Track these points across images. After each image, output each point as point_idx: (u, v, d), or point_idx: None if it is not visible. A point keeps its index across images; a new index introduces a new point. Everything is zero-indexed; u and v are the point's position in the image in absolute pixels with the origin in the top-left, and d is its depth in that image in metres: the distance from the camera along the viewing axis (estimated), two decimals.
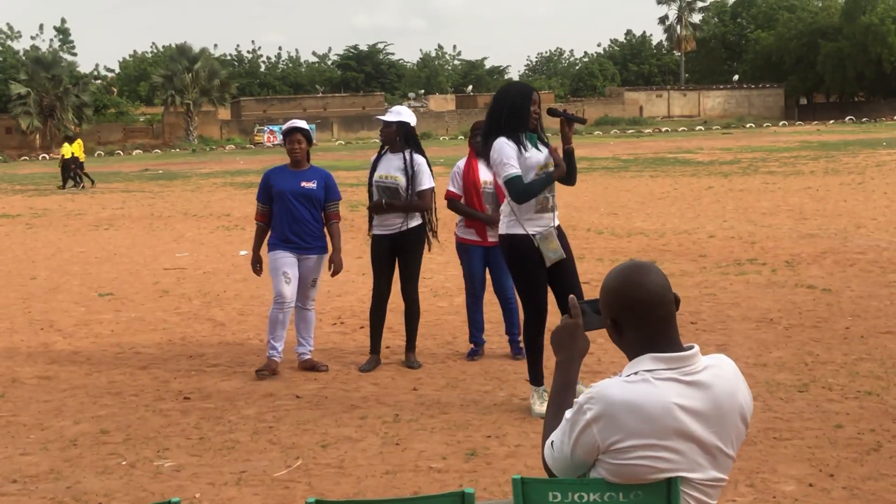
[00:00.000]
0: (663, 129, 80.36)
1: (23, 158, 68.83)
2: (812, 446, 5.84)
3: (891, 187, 22.74)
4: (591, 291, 4.48)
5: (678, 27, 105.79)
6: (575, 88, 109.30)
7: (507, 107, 6.61)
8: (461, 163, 8.47)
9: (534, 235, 6.57)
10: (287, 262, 8.01)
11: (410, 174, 7.98)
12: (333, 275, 8.34)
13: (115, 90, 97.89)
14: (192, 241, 17.62)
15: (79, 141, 34.64)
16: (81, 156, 34.02)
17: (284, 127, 8.33)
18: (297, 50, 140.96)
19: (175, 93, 79.78)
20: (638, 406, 2.72)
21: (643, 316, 2.84)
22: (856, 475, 5.35)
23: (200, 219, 21.62)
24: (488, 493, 5.27)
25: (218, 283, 12.65)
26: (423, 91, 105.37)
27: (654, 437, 2.72)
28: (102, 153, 72.08)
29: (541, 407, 6.56)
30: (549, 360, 4.06)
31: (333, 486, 5.50)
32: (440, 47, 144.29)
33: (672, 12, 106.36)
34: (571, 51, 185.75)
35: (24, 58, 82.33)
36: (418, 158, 8.06)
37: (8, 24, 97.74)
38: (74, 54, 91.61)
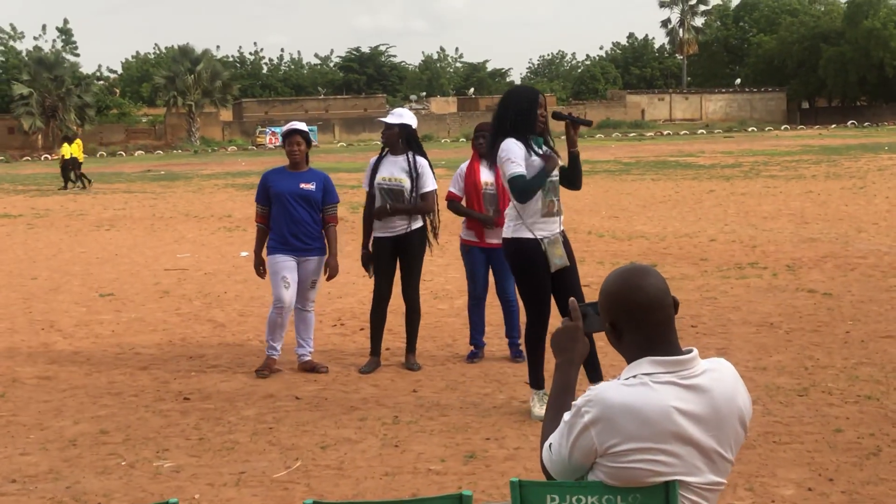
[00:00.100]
0: (665, 133, 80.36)
1: (25, 159, 68.94)
2: (811, 450, 5.83)
3: (892, 191, 22.74)
4: (592, 294, 4.48)
5: (680, 30, 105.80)
6: (577, 91, 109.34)
7: (513, 111, 6.59)
8: (464, 165, 8.48)
9: (542, 239, 6.55)
10: (286, 267, 8.03)
11: (415, 176, 7.98)
12: (329, 279, 8.35)
13: (118, 91, 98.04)
14: (194, 242, 17.64)
15: (78, 141, 34.61)
16: (80, 156, 33.99)
17: (284, 129, 8.34)
18: (299, 52, 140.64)
19: (177, 94, 79.88)
20: (636, 409, 2.72)
21: (642, 319, 2.84)
22: (855, 479, 5.35)
23: (202, 220, 21.63)
24: (487, 495, 5.26)
25: (219, 284, 12.65)
26: (424, 93, 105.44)
27: (652, 441, 2.71)
28: (104, 154, 72.16)
29: (540, 410, 6.55)
30: (550, 362, 4.06)
31: (332, 487, 5.50)
32: (442, 49, 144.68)
33: (674, 15, 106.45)
34: (573, 54, 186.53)
35: (26, 58, 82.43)
36: (421, 160, 8.07)
37: (11, 24, 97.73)
38: (77, 55, 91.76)
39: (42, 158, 67.23)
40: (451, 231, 14.22)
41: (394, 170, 8.02)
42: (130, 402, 7.39)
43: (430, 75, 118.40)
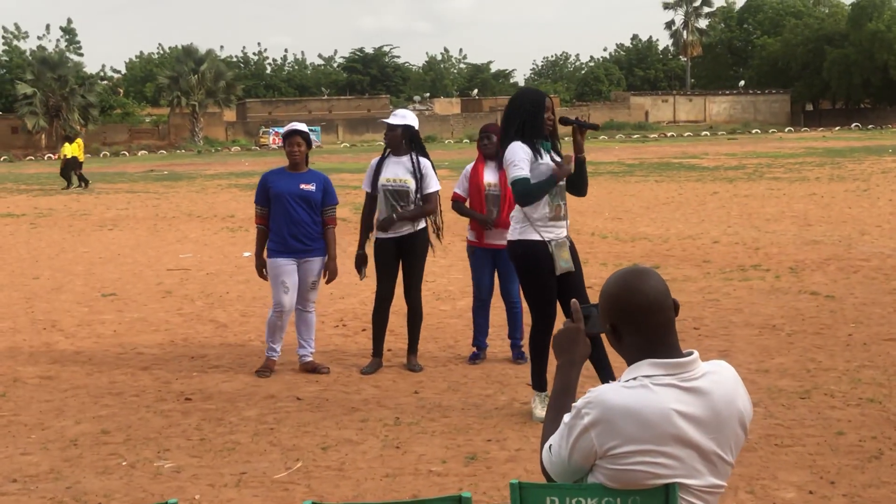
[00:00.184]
0: (669, 135, 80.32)
1: (28, 158, 68.97)
2: (813, 453, 5.82)
3: None
4: (594, 296, 4.48)
5: (684, 32, 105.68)
6: (580, 93, 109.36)
7: (520, 114, 6.57)
8: (469, 166, 8.48)
9: (549, 241, 6.53)
10: (285, 272, 8.04)
11: (419, 177, 7.98)
12: (328, 282, 8.35)
13: (121, 91, 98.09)
14: (196, 242, 17.64)
15: (78, 141, 34.55)
16: (81, 156, 33.95)
17: (284, 129, 8.34)
18: (302, 52, 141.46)
19: (181, 94, 79.89)
20: (636, 412, 2.71)
21: (642, 322, 2.83)
22: (857, 483, 5.34)
23: (205, 220, 21.64)
24: (488, 497, 5.26)
25: (221, 285, 12.66)
26: (428, 94, 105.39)
27: (651, 443, 2.71)
28: (108, 154, 72.20)
29: (542, 412, 6.54)
30: (552, 364, 4.05)
31: (333, 488, 5.50)
32: (446, 50, 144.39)
33: (678, 17, 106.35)
34: (577, 55, 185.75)
35: (30, 58, 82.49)
36: (424, 161, 8.07)
37: (15, 24, 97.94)
38: (81, 55, 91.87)
39: (45, 158, 67.24)
40: (453, 232, 14.24)
41: (398, 171, 8.01)
42: (132, 402, 7.39)
43: (434, 76, 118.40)
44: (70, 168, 33.45)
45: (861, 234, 15.80)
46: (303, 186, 8.06)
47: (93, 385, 7.91)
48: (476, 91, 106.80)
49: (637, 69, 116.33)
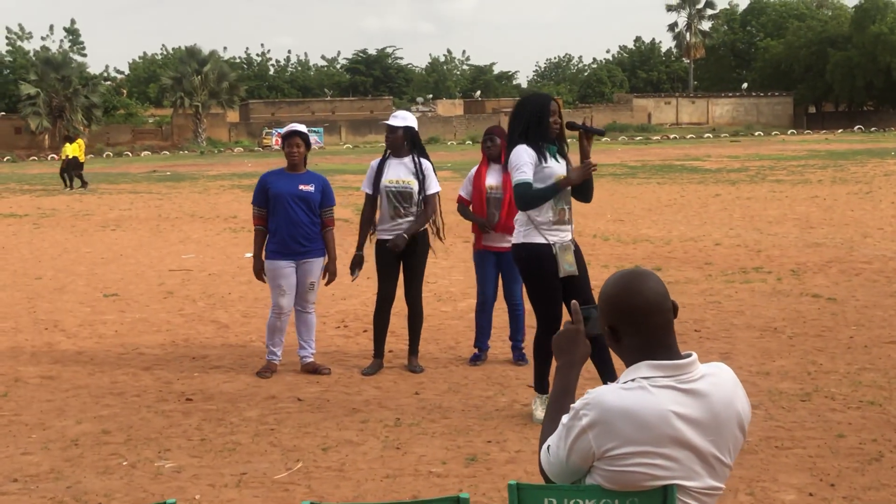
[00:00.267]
0: (671, 137, 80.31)
1: (31, 158, 69.01)
2: (813, 455, 5.82)
3: None
4: (596, 298, 4.52)
5: (687, 34, 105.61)
6: (583, 95, 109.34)
7: (525, 118, 6.57)
8: (474, 168, 8.49)
9: (553, 244, 6.52)
10: (283, 274, 8.07)
11: (422, 178, 7.99)
12: (328, 283, 8.36)
13: (125, 91, 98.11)
14: (199, 242, 17.65)
15: (79, 141, 34.55)
16: (82, 157, 33.94)
17: (284, 130, 8.35)
18: (306, 53, 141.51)
19: (184, 95, 79.89)
20: (634, 413, 2.72)
21: (641, 323, 2.84)
22: (857, 485, 5.34)
23: (207, 221, 21.65)
24: (487, 498, 5.27)
25: (223, 285, 12.67)
26: (431, 96, 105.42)
27: (649, 445, 2.71)
28: (111, 154, 72.26)
29: (542, 413, 6.53)
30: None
31: (333, 489, 5.50)
32: (449, 52, 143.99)
33: (681, 19, 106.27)
34: (580, 57, 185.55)
35: (34, 58, 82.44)
36: (426, 163, 8.08)
37: (19, 24, 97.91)
38: (84, 55, 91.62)
39: (49, 158, 67.26)
40: (455, 234, 14.28)
41: (400, 172, 8.01)
42: (133, 402, 7.40)
43: (437, 77, 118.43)
44: (71, 168, 33.44)
45: (863, 237, 15.80)
46: (302, 187, 8.07)
47: (94, 385, 7.92)
48: (479, 93, 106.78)
49: (640, 71, 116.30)
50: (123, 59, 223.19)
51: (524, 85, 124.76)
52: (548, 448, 2.93)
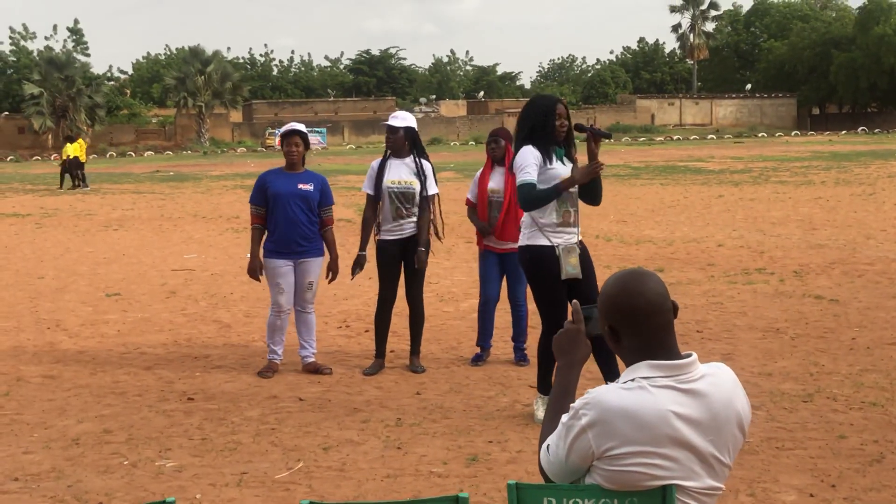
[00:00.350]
0: (675, 138, 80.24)
1: (35, 158, 69.06)
2: (815, 456, 5.82)
3: None
4: None
5: (691, 35, 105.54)
6: (587, 96, 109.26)
7: (530, 120, 6.56)
8: (480, 170, 8.50)
9: (557, 246, 6.51)
10: (281, 273, 8.08)
11: (423, 178, 7.99)
12: (331, 281, 8.37)
13: (128, 91, 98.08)
14: (201, 242, 17.66)
15: (80, 141, 34.59)
16: (83, 156, 33.95)
17: (283, 129, 8.34)
18: (309, 54, 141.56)
19: (187, 95, 79.91)
20: (633, 413, 2.71)
21: (641, 323, 2.83)
22: (858, 486, 5.33)
23: (210, 221, 21.66)
24: (488, 498, 5.26)
25: (225, 285, 12.67)
26: (434, 96, 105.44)
27: (649, 445, 2.71)
28: (114, 154, 72.30)
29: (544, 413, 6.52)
30: None
31: (334, 488, 5.50)
32: (452, 53, 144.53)
33: (685, 20, 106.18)
34: (584, 58, 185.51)
35: (37, 58, 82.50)
36: (426, 163, 8.08)
37: (23, 24, 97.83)
38: (88, 55, 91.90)
39: (52, 158, 67.32)
40: (458, 234, 14.24)
41: (402, 173, 8.01)
42: (134, 401, 7.40)
43: (440, 78, 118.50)
44: (73, 168, 33.44)
45: (866, 238, 15.79)
46: (301, 186, 8.08)
47: (95, 384, 7.92)
48: (482, 93, 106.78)
49: (643, 72, 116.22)
50: (127, 59, 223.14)
51: (527, 86, 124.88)
52: (547, 447, 2.92)
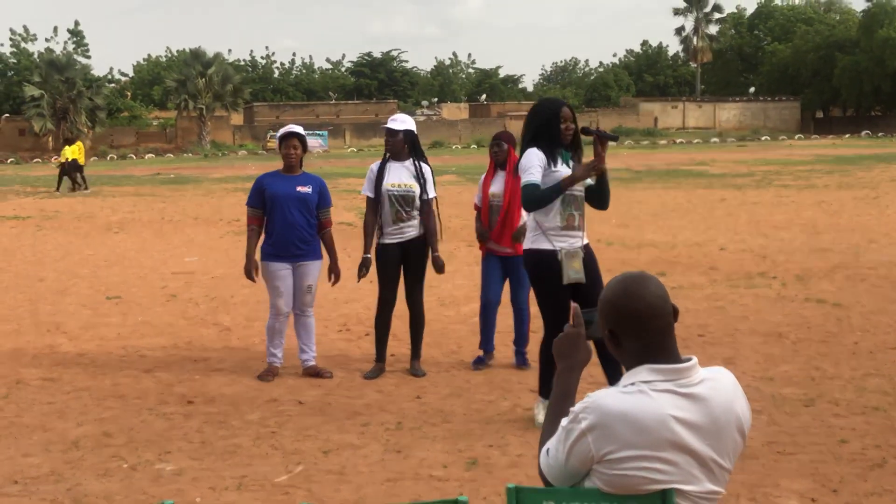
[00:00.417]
0: (678, 141, 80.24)
1: (35, 160, 69.05)
2: (816, 461, 5.80)
3: None
4: None
5: (694, 38, 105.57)
6: (589, 98, 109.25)
7: (534, 123, 6.55)
8: (484, 175, 8.49)
9: (559, 250, 6.49)
10: (279, 276, 8.07)
11: (423, 182, 7.98)
12: (334, 284, 8.34)
13: (129, 94, 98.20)
14: (202, 245, 17.66)
15: (79, 143, 34.55)
16: (81, 159, 33.94)
17: (281, 131, 8.30)
18: (310, 56, 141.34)
19: (188, 97, 79.97)
20: (633, 417, 2.70)
21: (641, 327, 2.82)
22: (859, 491, 5.31)
23: (210, 223, 21.65)
24: (488, 502, 5.25)
25: (226, 288, 12.66)
26: (436, 99, 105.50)
27: (648, 449, 2.70)
28: (115, 157, 72.30)
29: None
30: None
31: (333, 492, 5.48)
32: (454, 55, 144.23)
33: (689, 23, 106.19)
34: (586, 60, 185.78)
35: (38, 60, 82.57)
36: (425, 167, 8.07)
37: (24, 26, 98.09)
38: (88, 57, 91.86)
39: (52, 160, 67.36)
40: (459, 238, 14.22)
41: (402, 176, 8.00)
42: (134, 404, 7.39)
43: (442, 81, 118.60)
44: (71, 170, 33.41)
45: (869, 242, 15.76)
46: (299, 189, 8.06)
47: (95, 387, 7.91)
48: (484, 96, 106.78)
49: (647, 75, 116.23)
50: (127, 61, 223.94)
51: (530, 89, 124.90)
52: (547, 451, 2.92)
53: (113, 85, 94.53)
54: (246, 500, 5.40)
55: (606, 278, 11.52)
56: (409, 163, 8.04)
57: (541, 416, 6.59)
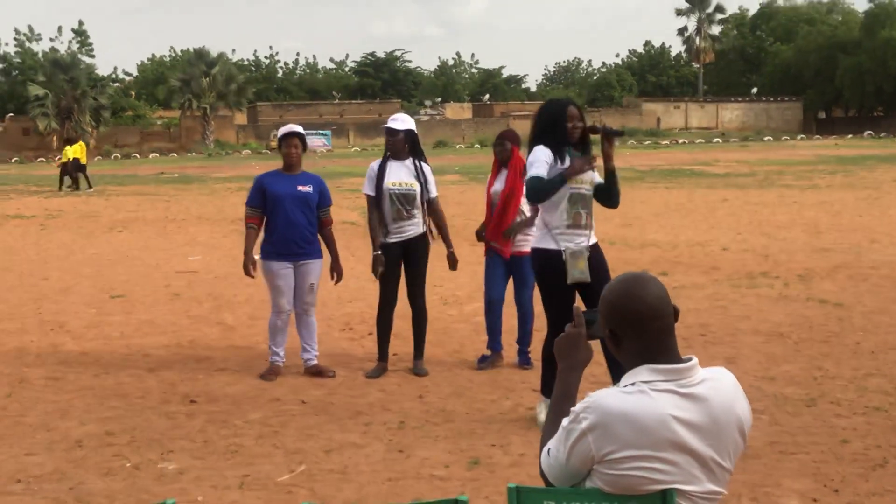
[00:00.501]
0: (680, 141, 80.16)
1: (39, 160, 69.07)
2: (817, 461, 5.81)
3: None
4: None
5: (697, 39, 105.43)
6: (592, 99, 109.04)
7: (540, 122, 6.57)
8: (490, 174, 8.53)
9: (564, 250, 6.50)
10: (280, 275, 8.10)
11: (423, 181, 8.00)
12: (337, 282, 8.35)
13: (133, 93, 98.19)
14: (205, 244, 17.67)
15: (80, 143, 34.61)
16: (83, 158, 33.96)
17: (282, 131, 8.30)
18: (314, 56, 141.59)
19: (192, 97, 79.89)
20: (634, 417, 2.71)
21: (641, 328, 2.83)
22: (860, 491, 5.32)
23: (214, 223, 21.65)
24: (490, 502, 5.26)
25: (229, 287, 12.67)
26: (439, 99, 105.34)
27: (649, 449, 2.71)
28: (119, 156, 72.34)
29: None
30: None
31: (336, 491, 5.50)
32: (458, 55, 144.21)
33: (691, 24, 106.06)
34: (589, 61, 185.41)
35: (42, 60, 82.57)
36: (425, 166, 8.10)
37: (28, 25, 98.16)
38: (93, 57, 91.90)
39: (56, 160, 67.41)
40: (462, 237, 14.22)
41: (402, 175, 8.02)
42: (137, 403, 7.41)
43: (446, 81, 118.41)
44: (74, 170, 33.43)
45: (871, 242, 15.76)
46: (300, 188, 8.08)
47: (99, 386, 7.92)
48: (488, 96, 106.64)
49: (649, 75, 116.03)
50: (132, 60, 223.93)
51: (533, 89, 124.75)
52: (548, 451, 2.93)
53: (117, 84, 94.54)
54: (248, 500, 5.41)
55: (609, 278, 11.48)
56: (409, 162, 8.07)
57: (543, 416, 6.60)
